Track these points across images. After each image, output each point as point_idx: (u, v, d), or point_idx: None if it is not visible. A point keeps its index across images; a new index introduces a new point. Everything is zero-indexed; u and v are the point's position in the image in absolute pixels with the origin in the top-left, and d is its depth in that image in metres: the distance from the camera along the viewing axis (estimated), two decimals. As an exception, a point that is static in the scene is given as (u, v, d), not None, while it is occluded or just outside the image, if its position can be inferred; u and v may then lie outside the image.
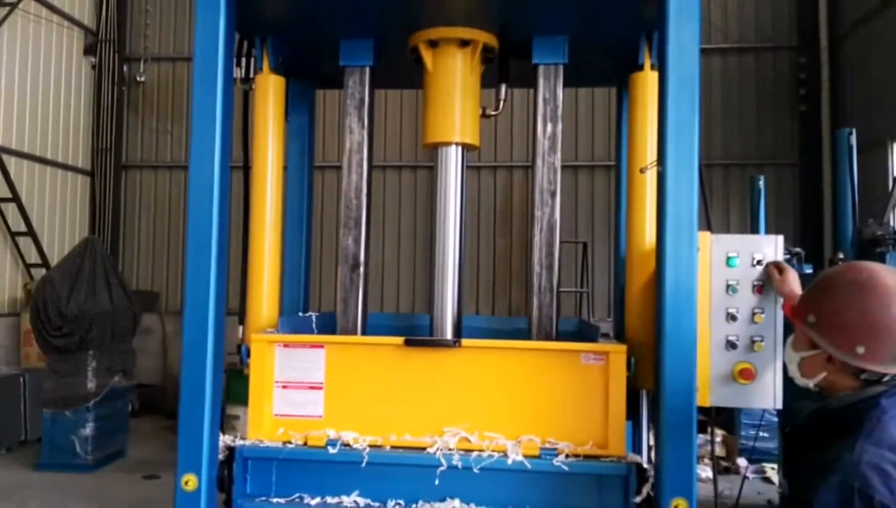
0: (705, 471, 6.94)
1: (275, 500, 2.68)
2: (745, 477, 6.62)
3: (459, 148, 2.99)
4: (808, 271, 5.81)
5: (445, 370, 2.70)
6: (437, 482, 2.58)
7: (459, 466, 2.55)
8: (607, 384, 2.60)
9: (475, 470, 2.55)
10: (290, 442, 2.70)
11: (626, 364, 2.60)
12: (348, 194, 3.05)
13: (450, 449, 2.59)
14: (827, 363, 1.81)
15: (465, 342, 2.72)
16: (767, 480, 7.15)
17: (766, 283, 2.56)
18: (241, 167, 3.23)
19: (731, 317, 2.58)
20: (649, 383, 2.69)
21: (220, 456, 2.64)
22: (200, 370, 2.58)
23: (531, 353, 2.70)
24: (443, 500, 2.59)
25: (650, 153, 2.83)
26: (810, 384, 1.88)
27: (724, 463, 7.31)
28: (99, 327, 7.16)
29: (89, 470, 7.18)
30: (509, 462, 2.53)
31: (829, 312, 1.80)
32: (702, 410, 2.49)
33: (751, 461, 7.05)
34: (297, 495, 2.69)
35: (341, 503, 2.64)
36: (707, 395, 2.54)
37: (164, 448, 8.08)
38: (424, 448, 2.62)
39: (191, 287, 2.61)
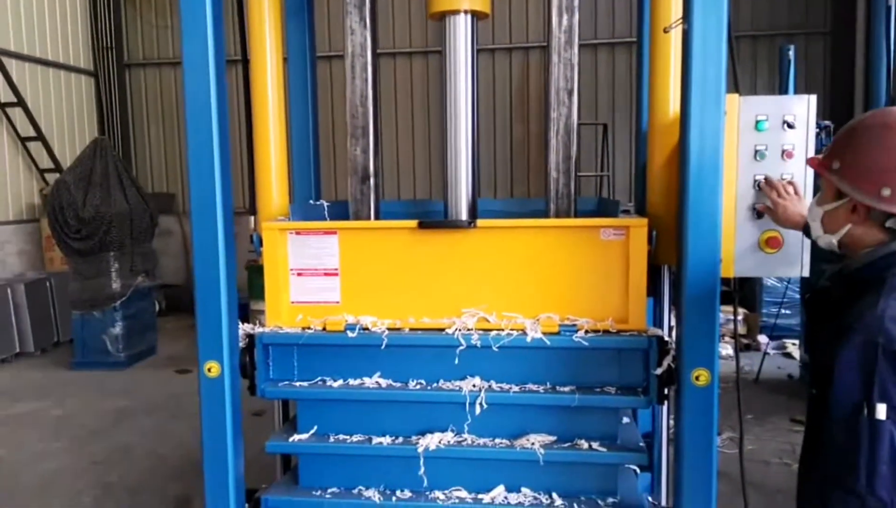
0: (726, 349, 7.01)
1: (297, 384, 2.71)
2: (765, 353, 6.70)
3: (468, 16, 2.79)
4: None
5: (461, 252, 2.64)
6: (456, 361, 2.58)
7: (479, 345, 2.53)
8: (628, 260, 2.52)
9: (494, 349, 2.53)
10: (309, 328, 2.69)
11: (648, 238, 2.52)
12: (353, 101, 2.88)
13: (468, 330, 2.57)
14: (851, 213, 1.70)
15: (480, 222, 2.64)
16: (788, 355, 7.21)
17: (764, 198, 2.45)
18: (239, 60, 3.07)
19: (759, 185, 2.46)
20: (671, 258, 2.61)
21: (241, 344, 2.65)
22: (213, 262, 2.52)
23: (549, 231, 2.62)
24: (463, 379, 2.60)
25: (674, 13, 2.63)
26: (833, 240, 1.77)
27: (745, 341, 7.37)
28: (117, 228, 7.19)
29: (122, 367, 7.42)
30: (528, 339, 2.51)
31: (854, 155, 1.69)
32: (724, 282, 2.42)
33: (772, 337, 7.10)
34: (319, 378, 2.71)
35: (363, 384, 2.66)
36: (732, 266, 2.46)
37: (193, 345, 8.13)
38: (443, 330, 2.60)
39: (195, 187, 2.51)
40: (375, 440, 2.65)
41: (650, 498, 3.02)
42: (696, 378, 2.35)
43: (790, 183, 2.44)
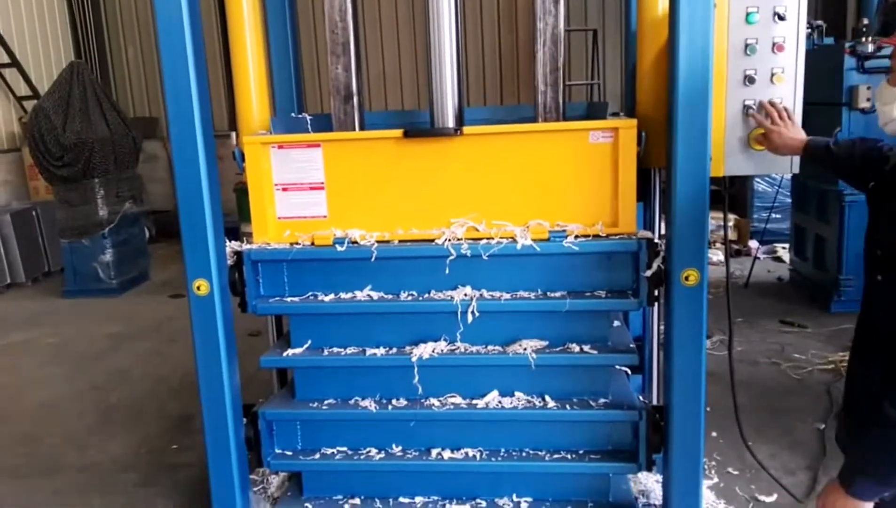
0: (717, 255, 7.05)
1: (289, 299, 2.71)
2: (755, 258, 6.74)
3: None
4: (829, 41, 5.46)
5: (448, 161, 2.60)
6: (447, 271, 2.58)
7: (469, 254, 2.53)
8: (617, 162, 2.49)
9: (485, 258, 2.53)
10: (297, 244, 2.68)
11: (637, 140, 2.48)
12: (332, 16, 2.76)
13: (458, 239, 2.56)
14: None
15: (466, 129, 2.59)
16: (778, 259, 7.27)
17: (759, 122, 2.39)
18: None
19: (749, 80, 2.40)
20: (661, 160, 2.57)
21: (229, 262, 2.63)
22: (195, 178, 2.47)
23: (537, 136, 2.57)
24: (454, 288, 2.60)
25: None
26: None
27: (735, 246, 7.41)
28: (100, 154, 7.05)
29: (115, 294, 7.42)
30: (518, 247, 2.50)
31: None
32: (715, 182, 2.39)
33: (762, 242, 7.13)
34: (310, 293, 2.72)
35: (354, 298, 2.66)
36: (721, 165, 2.43)
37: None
38: (432, 240, 2.59)
39: (171, 103, 2.43)
40: (369, 351, 2.68)
41: (641, 398, 3.08)
42: (686, 278, 2.36)
43: (783, 107, 2.37)
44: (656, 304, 3.10)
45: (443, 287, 2.63)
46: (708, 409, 2.44)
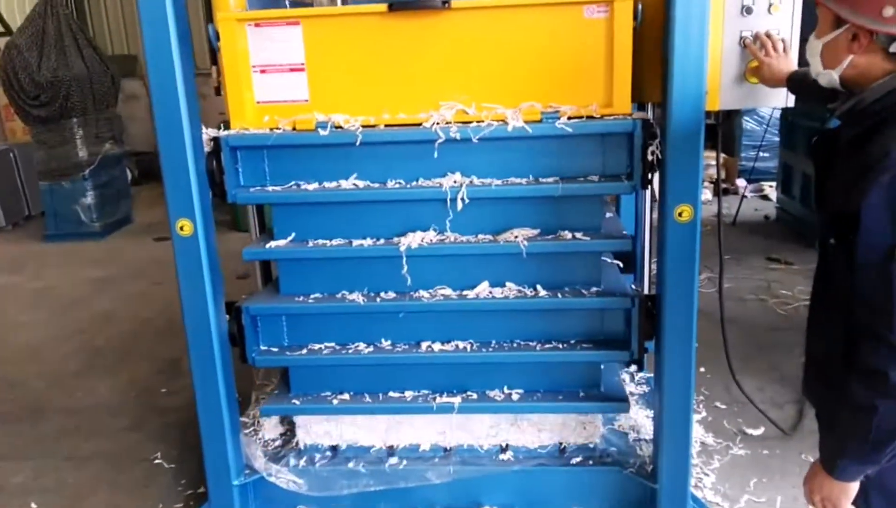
0: (706, 194, 7.03)
1: (270, 189, 2.59)
2: (743, 196, 6.73)
3: None
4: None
5: (436, 38, 2.44)
6: (435, 155, 2.45)
7: (458, 138, 2.40)
8: (612, 39, 2.36)
9: (474, 141, 2.40)
10: (277, 129, 2.53)
11: (633, 14, 2.34)
12: None
13: (447, 122, 2.43)
14: (852, 42, 1.53)
15: (455, 2, 2.40)
16: (765, 198, 7.27)
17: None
18: None
19: (747, 10, 2.31)
20: (655, 94, 2.50)
21: (206, 149, 2.49)
22: (175, 115, 2.35)
23: (529, 10, 2.41)
24: (443, 176, 2.51)
25: None
26: (835, 76, 1.60)
27: (723, 185, 7.38)
28: (77, 92, 6.85)
29: (99, 237, 7.33)
30: (509, 129, 2.38)
31: None
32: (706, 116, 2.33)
33: (749, 181, 7.11)
34: (292, 183, 2.59)
35: (339, 187, 2.55)
36: (717, 98, 2.37)
37: (170, 212, 8.15)
38: (420, 124, 2.46)
39: (150, 44, 2.29)
40: (356, 242, 2.58)
41: (634, 286, 3.05)
42: (679, 214, 2.32)
43: (779, 39, 2.29)
44: (648, 202, 3.07)
45: (431, 175, 2.52)
46: (696, 345, 2.44)
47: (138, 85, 10.03)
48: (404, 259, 2.52)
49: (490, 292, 2.59)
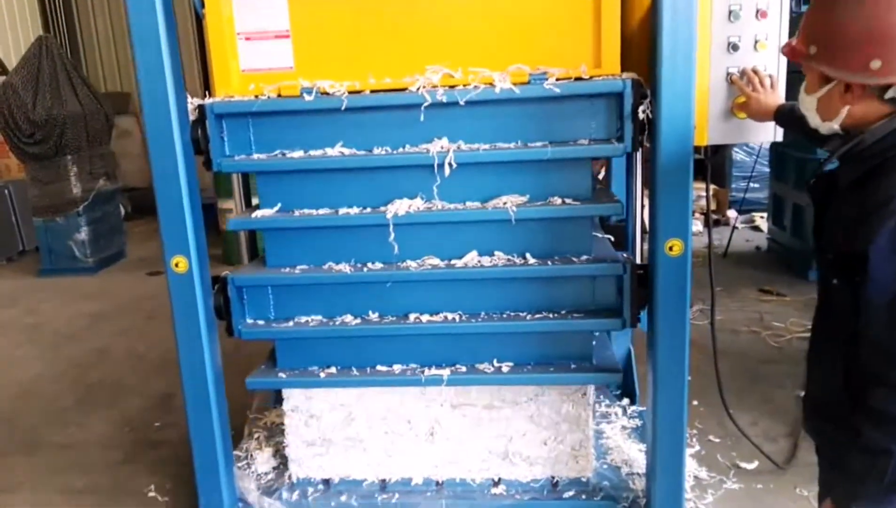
0: (696, 225, 7.09)
1: (255, 157, 2.57)
2: (734, 228, 6.79)
3: None
4: None
5: (422, 1, 2.43)
6: (422, 119, 2.44)
7: (444, 101, 2.39)
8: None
9: (461, 104, 2.38)
10: (262, 95, 2.51)
11: None
12: None
13: (433, 86, 2.42)
14: (845, 93, 1.54)
15: None
16: (756, 228, 7.33)
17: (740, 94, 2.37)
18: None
19: (734, 47, 2.38)
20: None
21: (191, 117, 2.48)
22: (170, 153, 2.40)
23: None
24: (430, 141, 2.49)
25: None
26: (835, 126, 1.61)
27: (714, 216, 7.45)
28: (72, 130, 6.89)
29: (92, 272, 7.32)
30: (497, 91, 2.37)
31: (830, 33, 1.52)
32: (695, 150, 2.37)
33: (740, 211, 7.17)
34: (277, 151, 2.57)
35: (325, 154, 2.53)
36: (705, 134, 2.42)
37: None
38: (406, 89, 2.44)
39: (145, 84, 2.35)
40: (342, 211, 2.56)
41: (626, 254, 3.04)
42: (670, 249, 2.35)
43: (766, 74, 2.35)
44: (639, 169, 3.06)
45: (418, 141, 2.50)
46: (689, 378, 2.45)
47: (131, 121, 10.11)
48: (391, 227, 2.49)
49: (479, 261, 2.54)
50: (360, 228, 2.56)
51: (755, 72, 2.36)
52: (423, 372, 2.61)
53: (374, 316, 2.64)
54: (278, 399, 3.50)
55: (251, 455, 3.07)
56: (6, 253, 7.98)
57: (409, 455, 2.79)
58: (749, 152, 7.28)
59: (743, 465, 3.26)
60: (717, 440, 3.47)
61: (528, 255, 2.55)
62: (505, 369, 2.61)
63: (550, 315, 2.56)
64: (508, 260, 2.55)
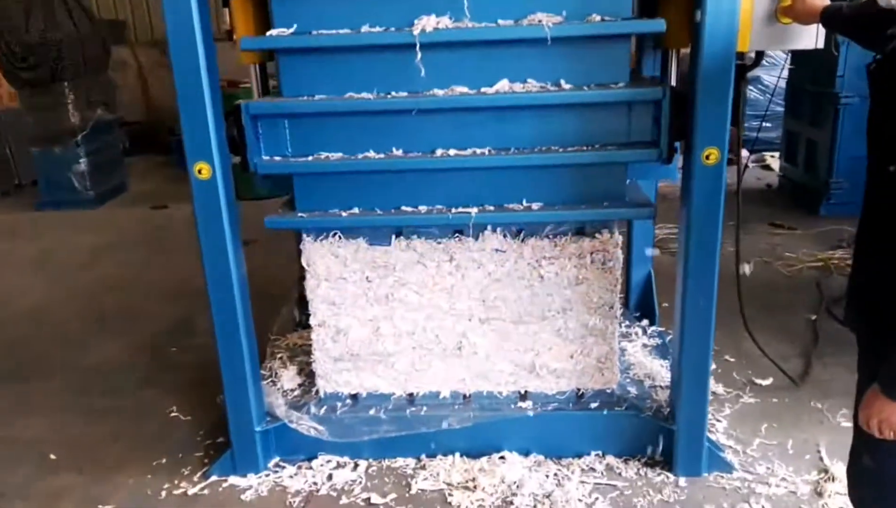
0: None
1: None
2: (746, 166, 6.75)
3: None
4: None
5: None
6: None
7: None
8: None
9: None
10: None
11: None
12: None
13: None
14: None
15: None
16: (767, 167, 7.31)
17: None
18: None
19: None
20: (682, 40, 2.49)
21: None
22: (193, 59, 2.29)
23: None
24: None
25: None
26: None
27: (728, 155, 7.40)
28: (68, 55, 6.70)
29: (93, 205, 7.20)
30: None
31: None
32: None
33: (752, 151, 7.12)
34: None
35: None
36: (747, 40, 2.36)
37: (166, 182, 8.07)
38: None
39: None
40: (364, 28, 2.42)
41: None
42: (707, 157, 2.33)
43: None
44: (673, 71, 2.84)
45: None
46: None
47: (126, 52, 9.86)
48: (417, 48, 2.33)
49: (510, 88, 2.43)
50: (384, 50, 2.40)
51: None
52: (450, 212, 2.53)
53: (398, 153, 2.49)
54: (298, 323, 3.53)
55: (276, 374, 3.08)
56: (2, 187, 7.84)
57: (437, 370, 2.80)
58: (763, 91, 7.19)
59: (758, 381, 3.30)
60: (733, 359, 3.51)
61: (562, 81, 2.42)
62: (535, 207, 2.53)
63: (584, 148, 2.45)
64: (542, 88, 2.42)
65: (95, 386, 3.60)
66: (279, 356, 3.23)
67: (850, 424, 1.87)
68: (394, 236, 2.67)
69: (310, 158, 2.53)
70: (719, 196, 2.36)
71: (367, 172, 2.54)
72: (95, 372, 3.75)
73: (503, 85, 2.43)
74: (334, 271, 2.71)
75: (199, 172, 2.45)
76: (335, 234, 2.68)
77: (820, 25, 2.31)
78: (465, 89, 2.43)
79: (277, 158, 2.55)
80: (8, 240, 6.32)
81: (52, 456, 3.00)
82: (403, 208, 2.57)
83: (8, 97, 8.18)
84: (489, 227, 2.63)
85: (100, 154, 7.32)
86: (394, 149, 2.50)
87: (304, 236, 2.70)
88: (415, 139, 2.49)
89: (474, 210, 2.50)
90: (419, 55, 2.35)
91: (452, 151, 2.47)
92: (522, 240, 2.63)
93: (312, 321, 2.80)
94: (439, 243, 2.66)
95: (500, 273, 2.67)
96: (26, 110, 7.03)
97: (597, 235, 2.61)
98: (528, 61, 2.41)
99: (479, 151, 2.47)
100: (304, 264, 2.73)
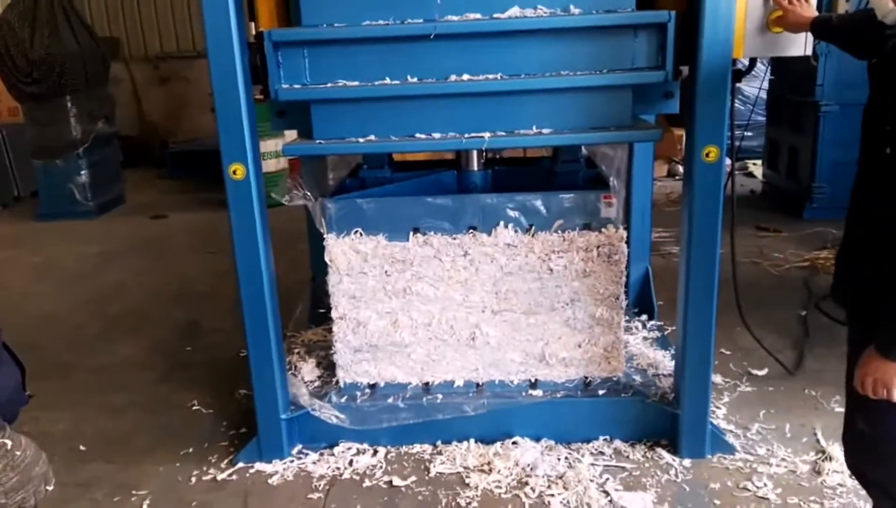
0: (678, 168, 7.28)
1: None
2: (731, 173, 6.98)
3: None
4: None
5: None
6: None
7: None
8: None
9: None
10: None
11: None
12: None
13: None
14: None
15: None
16: (750, 175, 7.56)
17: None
18: None
19: (770, -11, 2.50)
20: (669, 2, 2.63)
21: None
22: (230, 63, 2.46)
23: None
24: None
25: None
26: None
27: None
28: (71, 70, 6.84)
29: (93, 216, 7.31)
30: None
31: None
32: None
33: (736, 159, 7.37)
34: None
35: None
36: (741, 47, 2.55)
37: (163, 193, 8.19)
38: None
39: None
40: None
41: None
42: (706, 155, 2.51)
43: None
44: None
45: None
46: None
47: (121, 68, 9.99)
48: None
49: (521, 13, 2.53)
50: None
51: None
52: (462, 137, 2.61)
53: (413, 80, 2.57)
54: (313, 319, 3.67)
55: (295, 367, 3.21)
56: (1, 199, 7.92)
57: (452, 360, 2.95)
58: (744, 101, 7.46)
59: (754, 372, 3.48)
60: (728, 352, 3.68)
61: (571, 7, 2.54)
62: (546, 132, 2.60)
63: (592, 72, 2.54)
64: (552, 13, 2.54)
65: (114, 384, 3.70)
66: (297, 351, 3.36)
67: (843, 409, 2.02)
68: (411, 233, 2.83)
69: (328, 84, 2.60)
70: (719, 191, 2.54)
71: (383, 99, 2.62)
72: (112, 371, 3.85)
73: (514, 10, 2.55)
74: (355, 266, 2.86)
75: (234, 172, 2.60)
76: (356, 231, 2.83)
77: (808, 33, 2.51)
78: (478, 16, 2.54)
79: (297, 86, 2.60)
80: (12, 250, 6.40)
81: (82, 448, 3.10)
82: (418, 135, 2.65)
83: (7, 112, 8.28)
84: (501, 223, 2.81)
85: (100, 166, 7.44)
86: (409, 77, 2.57)
87: (327, 233, 2.85)
88: (429, 66, 2.56)
89: (487, 135, 2.59)
90: None
91: (465, 76, 2.55)
92: (533, 235, 2.80)
93: (334, 314, 2.94)
94: (454, 238, 2.82)
95: (512, 267, 2.84)
96: (29, 123, 7.14)
97: (603, 229, 2.79)
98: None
99: (490, 76, 2.55)
100: (326, 260, 2.87)
